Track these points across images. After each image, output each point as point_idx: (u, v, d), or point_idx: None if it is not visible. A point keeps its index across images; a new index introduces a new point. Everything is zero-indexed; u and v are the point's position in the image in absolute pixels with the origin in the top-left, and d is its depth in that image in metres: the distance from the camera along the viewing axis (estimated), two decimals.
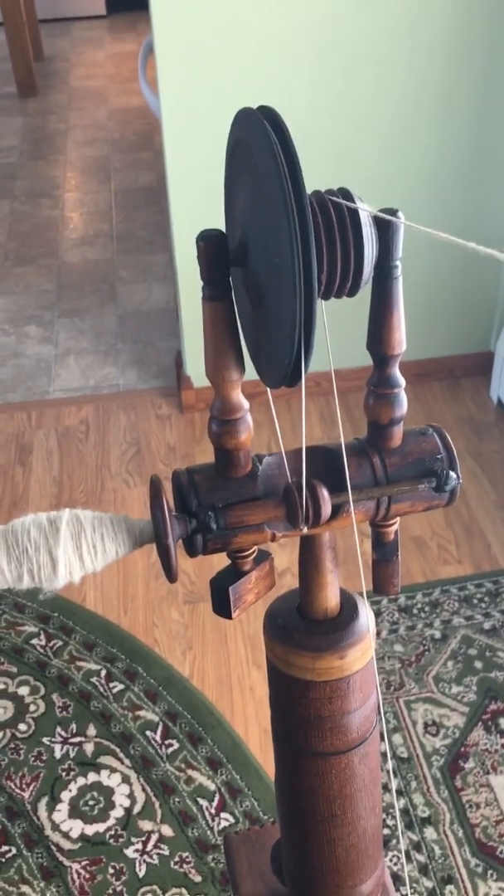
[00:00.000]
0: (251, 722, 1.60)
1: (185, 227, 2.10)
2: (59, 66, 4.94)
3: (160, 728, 1.59)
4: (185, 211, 2.07)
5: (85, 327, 2.76)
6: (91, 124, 4.22)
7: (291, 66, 1.92)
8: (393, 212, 0.52)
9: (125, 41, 5.24)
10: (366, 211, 0.51)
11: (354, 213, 0.51)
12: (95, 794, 1.50)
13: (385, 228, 0.52)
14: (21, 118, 4.33)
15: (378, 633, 1.75)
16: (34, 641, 1.75)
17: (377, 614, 1.78)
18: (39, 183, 3.68)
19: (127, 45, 5.17)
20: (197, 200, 2.03)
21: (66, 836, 1.45)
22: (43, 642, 1.75)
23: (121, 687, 1.66)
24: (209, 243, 0.53)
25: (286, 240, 0.48)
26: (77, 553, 0.53)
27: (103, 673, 1.68)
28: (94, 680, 1.67)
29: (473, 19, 1.91)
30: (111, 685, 1.66)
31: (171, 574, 0.56)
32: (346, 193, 0.52)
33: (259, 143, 0.49)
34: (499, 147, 2.08)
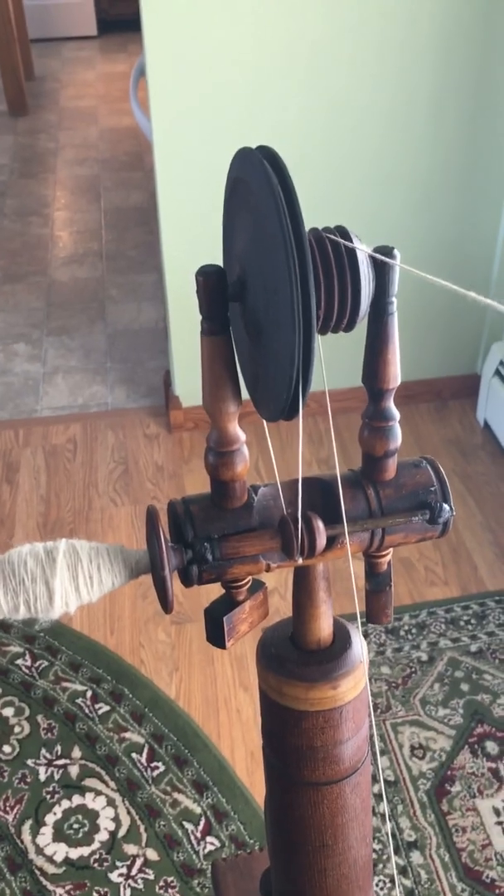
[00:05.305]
0: (238, 744, 1.59)
1: (176, 248, 2.11)
2: (49, 86, 4.96)
3: (146, 750, 1.58)
4: (176, 231, 2.08)
5: (74, 346, 2.76)
6: (81, 144, 4.24)
7: (282, 88, 1.94)
8: (389, 250, 0.53)
9: (116, 62, 5.28)
10: (363, 250, 0.52)
11: (352, 252, 0.52)
12: (80, 817, 1.49)
13: (382, 266, 0.53)
14: (11, 137, 4.34)
15: None
16: (19, 662, 1.74)
17: (364, 636, 1.78)
18: (29, 201, 3.69)
19: (118, 66, 5.20)
20: (187, 221, 2.04)
21: (49, 860, 1.44)
22: (28, 663, 1.74)
23: (106, 708, 1.65)
24: (208, 279, 0.54)
25: (285, 277, 0.48)
26: (73, 584, 0.54)
27: (89, 694, 1.67)
28: (79, 701, 1.66)
29: (462, 44, 1.94)
30: (97, 706, 1.65)
31: (166, 605, 0.56)
32: (343, 232, 0.53)
33: (259, 182, 0.49)
34: (488, 168, 2.11)
